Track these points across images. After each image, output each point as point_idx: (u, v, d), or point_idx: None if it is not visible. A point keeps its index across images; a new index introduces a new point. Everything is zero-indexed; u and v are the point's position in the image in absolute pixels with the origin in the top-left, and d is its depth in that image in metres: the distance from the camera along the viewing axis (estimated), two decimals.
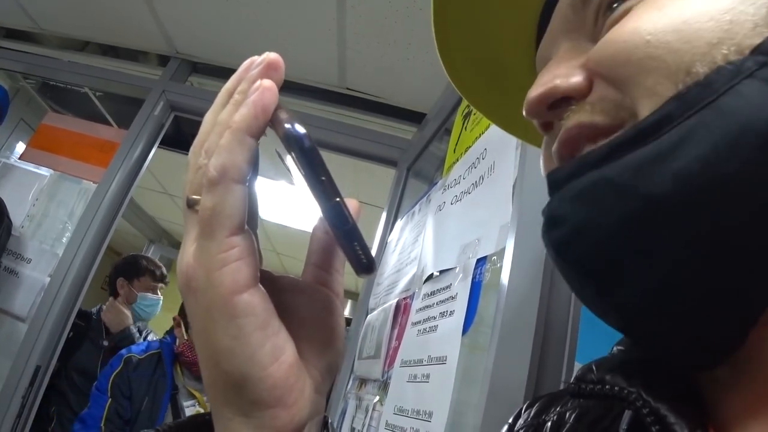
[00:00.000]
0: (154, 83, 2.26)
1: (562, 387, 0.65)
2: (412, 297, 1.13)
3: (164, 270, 2.69)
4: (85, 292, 1.96)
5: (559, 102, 0.34)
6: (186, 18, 2.07)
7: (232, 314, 0.30)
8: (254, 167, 0.33)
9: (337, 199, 0.29)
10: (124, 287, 2.57)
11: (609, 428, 0.40)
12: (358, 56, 1.93)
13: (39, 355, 1.77)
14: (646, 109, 0.28)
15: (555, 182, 0.32)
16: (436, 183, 1.28)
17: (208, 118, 0.34)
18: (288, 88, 2.17)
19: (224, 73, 2.32)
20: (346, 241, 0.31)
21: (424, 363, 0.90)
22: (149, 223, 5.28)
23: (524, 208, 0.72)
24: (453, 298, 0.88)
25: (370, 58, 1.92)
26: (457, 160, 1.16)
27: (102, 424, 1.98)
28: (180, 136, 2.97)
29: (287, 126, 0.29)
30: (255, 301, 0.31)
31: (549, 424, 0.47)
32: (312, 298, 0.36)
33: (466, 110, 1.26)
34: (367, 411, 1.17)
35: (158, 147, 2.21)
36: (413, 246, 1.25)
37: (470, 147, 1.09)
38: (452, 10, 0.46)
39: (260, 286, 0.32)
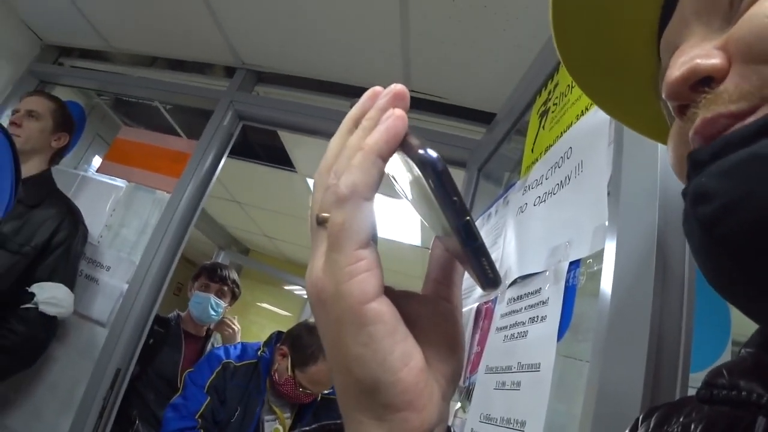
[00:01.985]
0: (222, 94, 2.31)
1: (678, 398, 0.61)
2: (494, 301, 1.10)
3: (227, 273, 2.72)
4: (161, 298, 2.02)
5: (699, 83, 0.33)
6: (250, 29, 2.10)
7: (362, 322, 0.31)
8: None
9: (467, 218, 0.31)
10: (190, 289, 2.65)
11: None
12: (423, 58, 1.92)
13: (119, 359, 1.83)
14: None
15: (698, 161, 0.32)
16: (513, 184, 1.25)
17: (334, 143, 0.36)
18: (353, 93, 2.17)
19: (289, 81, 2.35)
20: (474, 257, 0.32)
21: (514, 370, 0.87)
22: (218, 230, 5.43)
23: (626, 207, 0.68)
24: (544, 302, 0.85)
25: (435, 60, 1.90)
26: (537, 160, 1.12)
27: (198, 418, 2.04)
28: (247, 145, 3.04)
29: (421, 151, 0.31)
30: (383, 309, 0.32)
31: None
32: (433, 310, 0.38)
33: (543, 108, 1.22)
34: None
35: (227, 156, 2.26)
36: (492, 249, 1.22)
37: (551, 146, 1.05)
38: None
39: (385, 296, 0.33)
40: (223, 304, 2.65)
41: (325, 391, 2.21)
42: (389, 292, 0.36)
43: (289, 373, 2.12)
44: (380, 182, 0.32)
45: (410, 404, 0.32)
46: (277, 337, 2.32)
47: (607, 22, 0.46)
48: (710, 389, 0.37)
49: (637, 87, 0.49)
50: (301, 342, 2.14)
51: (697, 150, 0.33)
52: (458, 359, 0.38)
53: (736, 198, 0.28)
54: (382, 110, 0.34)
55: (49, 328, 1.77)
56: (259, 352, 2.27)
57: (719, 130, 0.32)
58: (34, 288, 1.73)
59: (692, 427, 0.43)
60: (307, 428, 0.41)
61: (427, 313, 0.38)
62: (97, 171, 2.36)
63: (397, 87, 0.35)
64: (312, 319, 2.24)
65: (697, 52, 0.34)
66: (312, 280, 0.34)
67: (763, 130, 0.28)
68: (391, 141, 0.32)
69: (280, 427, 2.15)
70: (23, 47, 2.58)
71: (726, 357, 0.83)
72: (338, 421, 0.37)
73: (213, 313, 2.58)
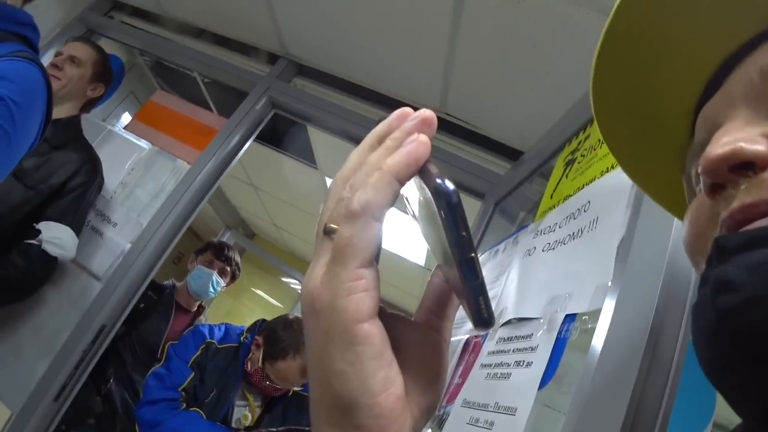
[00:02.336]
0: (261, 79, 2.33)
1: None
2: (484, 337, 1.10)
3: (233, 255, 2.74)
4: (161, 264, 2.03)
5: (740, 166, 0.33)
6: (301, 21, 2.12)
7: (352, 341, 0.32)
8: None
9: (473, 255, 0.31)
10: (191, 262, 2.66)
11: None
12: (462, 83, 1.93)
13: (107, 315, 1.85)
14: None
15: (726, 248, 0.31)
16: (526, 226, 1.25)
17: (355, 156, 0.37)
18: (387, 103, 2.19)
19: (327, 79, 2.37)
20: (472, 294, 0.32)
21: (490, 409, 0.87)
22: (229, 209, 5.45)
23: (631, 272, 0.68)
24: (533, 349, 0.85)
25: (474, 88, 1.91)
26: (554, 207, 1.12)
27: (182, 390, 2.05)
28: (274, 132, 3.06)
29: (438, 181, 0.31)
30: (374, 331, 0.32)
31: None
32: (422, 339, 0.38)
33: (570, 157, 1.22)
34: None
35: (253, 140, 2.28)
36: (493, 285, 1.22)
37: (570, 196, 1.06)
38: (618, 53, 0.45)
39: (378, 318, 0.33)
40: (223, 283, 2.67)
41: (297, 387, 2.21)
42: (381, 313, 0.36)
43: (260, 364, 2.13)
44: (393, 204, 0.33)
45: (381, 430, 0.32)
46: (260, 326, 2.32)
47: (647, 88, 0.46)
48: None
49: (663, 155, 0.49)
50: (275, 336, 2.15)
51: (727, 236, 0.32)
52: (437, 392, 0.38)
53: (762, 295, 0.27)
54: (407, 133, 0.34)
55: (48, 267, 1.79)
56: (241, 338, 2.28)
57: (758, 215, 0.32)
58: (41, 225, 1.75)
59: None
60: (274, 430, 0.40)
61: (415, 341, 0.38)
62: (125, 128, 2.39)
63: (426, 113, 0.35)
64: (292, 315, 2.25)
65: (742, 136, 0.34)
66: (309, 288, 0.34)
67: None
68: (411, 165, 0.32)
69: (249, 414, 2.15)
70: None
71: None
72: (306, 429, 0.37)
73: (212, 290, 2.60)
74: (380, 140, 0.36)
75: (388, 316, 0.38)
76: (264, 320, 2.36)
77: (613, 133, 0.51)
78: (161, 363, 2.14)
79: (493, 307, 1.10)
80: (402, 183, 0.32)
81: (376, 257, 0.35)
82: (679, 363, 0.62)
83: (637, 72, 0.45)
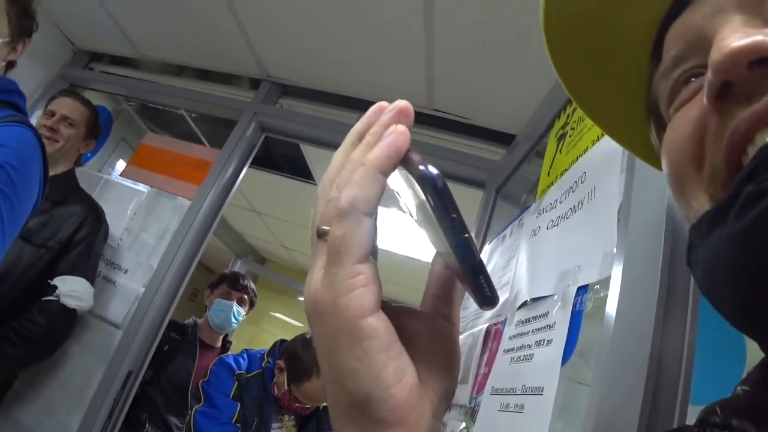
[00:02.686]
0: (247, 105, 2.35)
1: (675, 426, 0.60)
2: (503, 323, 1.10)
3: (248, 283, 2.76)
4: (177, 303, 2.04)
5: (760, 62, 0.30)
6: (277, 42, 2.14)
7: (358, 337, 0.31)
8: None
9: (466, 235, 0.31)
10: (208, 297, 2.68)
11: None
12: (446, 77, 1.94)
13: (131, 361, 1.86)
14: None
15: None
16: (528, 207, 1.25)
17: (338, 157, 0.37)
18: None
19: (313, 95, 2.38)
20: (472, 274, 0.32)
21: (518, 392, 0.87)
22: (236, 238, 5.48)
23: (633, 234, 0.68)
24: (551, 326, 0.85)
25: (458, 80, 1.92)
26: (552, 184, 1.13)
27: (236, 422, 2.07)
28: (268, 156, 3.08)
29: (421, 167, 0.31)
30: (379, 324, 0.32)
31: None
32: (430, 327, 0.38)
33: (560, 132, 1.23)
34: None
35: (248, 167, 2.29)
36: (505, 270, 1.22)
37: (566, 170, 1.06)
38: None
39: (381, 311, 0.33)
40: (243, 312, 2.69)
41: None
42: (387, 307, 0.36)
43: (286, 387, 2.14)
44: (381, 197, 0.33)
45: (401, 421, 0.32)
46: (279, 346, 2.33)
47: (606, 8, 0.44)
48: (703, 427, 0.36)
49: (625, 89, 0.48)
50: (296, 357, 2.16)
51: None
52: (452, 378, 0.37)
53: None
54: (385, 126, 0.34)
55: (69, 320, 1.80)
56: (263, 363, 2.28)
57: None
58: (57, 281, 1.77)
59: None
60: None
61: (424, 329, 0.37)
62: (121, 175, 2.41)
63: (401, 103, 0.35)
64: (309, 334, 2.26)
65: (754, 32, 0.30)
66: (310, 293, 0.34)
67: None
68: (392, 156, 0.32)
69: None
70: (56, 51, 2.66)
71: None
72: None
73: (234, 320, 2.63)
74: (360, 137, 0.36)
75: (393, 309, 0.37)
76: (283, 340, 2.37)
77: (571, 72, 0.50)
78: (202, 403, 2.14)
79: (508, 292, 1.10)
80: (386, 175, 0.32)
81: (373, 252, 0.35)
82: (694, 317, 0.62)
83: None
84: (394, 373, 0.32)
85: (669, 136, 0.38)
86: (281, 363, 2.21)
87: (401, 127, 0.33)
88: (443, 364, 0.37)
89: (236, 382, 2.18)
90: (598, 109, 0.52)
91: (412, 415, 0.32)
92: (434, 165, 0.31)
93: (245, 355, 2.34)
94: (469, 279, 0.33)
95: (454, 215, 0.31)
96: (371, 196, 0.32)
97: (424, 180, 0.31)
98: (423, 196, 0.31)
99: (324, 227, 0.34)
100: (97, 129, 2.12)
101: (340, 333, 0.32)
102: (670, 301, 0.62)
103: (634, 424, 0.57)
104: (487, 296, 0.33)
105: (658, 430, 0.59)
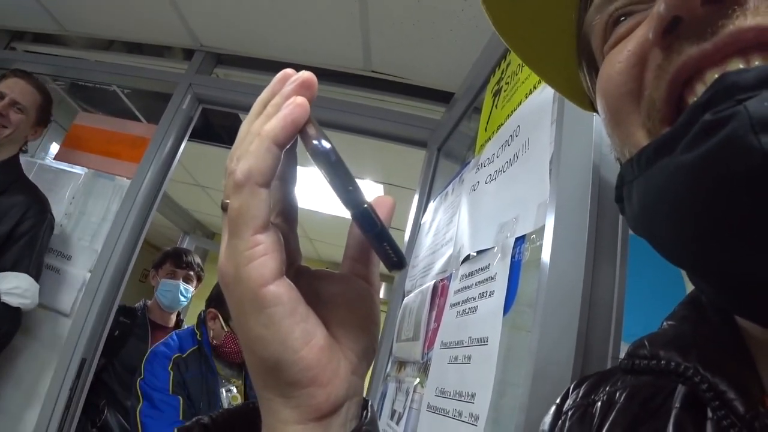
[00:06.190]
0: (181, 77, 2.28)
1: (609, 365, 0.64)
2: (449, 278, 1.12)
3: (192, 258, 2.72)
4: (125, 285, 2.00)
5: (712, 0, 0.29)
6: (208, 11, 2.07)
7: (261, 305, 0.32)
8: (292, 173, 0.39)
9: (365, 206, 0.32)
10: (154, 278, 2.63)
11: (662, 406, 0.40)
12: (382, 39, 1.92)
13: (84, 348, 1.82)
14: None
15: (739, 86, 0.26)
16: (468, 163, 1.27)
17: (243, 128, 0.37)
18: (314, 74, 2.16)
19: (249, 63, 2.33)
20: (377, 242, 0.33)
21: (465, 344, 0.89)
22: (183, 215, 5.38)
23: (563, 184, 0.70)
24: (492, 278, 0.87)
25: (394, 40, 1.91)
26: (489, 139, 1.14)
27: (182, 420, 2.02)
28: (209, 128, 3.00)
29: (314, 142, 0.32)
30: (281, 291, 0.33)
31: (599, 404, 0.47)
32: (348, 288, 0.39)
33: (496, 87, 1.24)
34: (407, 393, 1.18)
35: (188, 140, 2.24)
36: (448, 227, 1.24)
37: (502, 125, 1.08)
38: None
39: (285, 278, 0.34)
40: (191, 289, 2.65)
41: None
42: (303, 273, 0.38)
43: (226, 329, 2.12)
44: (276, 167, 0.33)
45: (314, 380, 0.33)
46: (203, 315, 2.31)
47: None
48: (632, 359, 0.38)
49: (550, 24, 0.48)
50: (223, 297, 2.13)
51: (739, 72, 0.27)
52: (370, 336, 0.38)
53: None
54: (285, 97, 0.34)
55: (13, 319, 1.74)
56: (197, 337, 2.25)
57: (752, 51, 0.29)
58: None
59: (617, 395, 0.46)
60: (231, 408, 0.42)
61: (341, 291, 0.38)
62: (55, 158, 2.32)
63: (305, 74, 0.35)
64: None
65: None
66: (219, 266, 0.34)
67: None
68: (288, 128, 0.32)
69: (238, 395, 2.17)
70: None
71: None
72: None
73: (183, 299, 2.60)
74: (265, 106, 0.36)
75: (309, 273, 0.39)
76: (203, 309, 2.34)
77: (505, 20, 0.51)
78: (141, 402, 2.04)
79: (452, 248, 1.12)
80: (281, 147, 0.32)
81: (290, 222, 0.37)
82: (623, 261, 0.64)
83: None
84: (302, 336, 0.33)
85: (605, 71, 0.37)
86: (212, 311, 2.18)
87: (300, 99, 0.33)
88: (360, 324, 0.38)
89: (172, 372, 2.12)
90: (532, 55, 0.53)
91: (325, 374, 0.34)
92: (327, 139, 0.32)
93: (174, 337, 2.27)
94: (374, 246, 0.34)
95: (350, 187, 0.31)
96: (265, 168, 0.32)
97: (317, 154, 0.32)
98: (319, 169, 0.32)
99: (226, 201, 0.34)
100: (47, 115, 2.03)
101: (244, 302, 0.33)
102: (599, 246, 0.65)
103: (569, 361, 0.60)
104: (393, 261, 0.34)
105: (593, 367, 0.62)
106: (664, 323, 0.41)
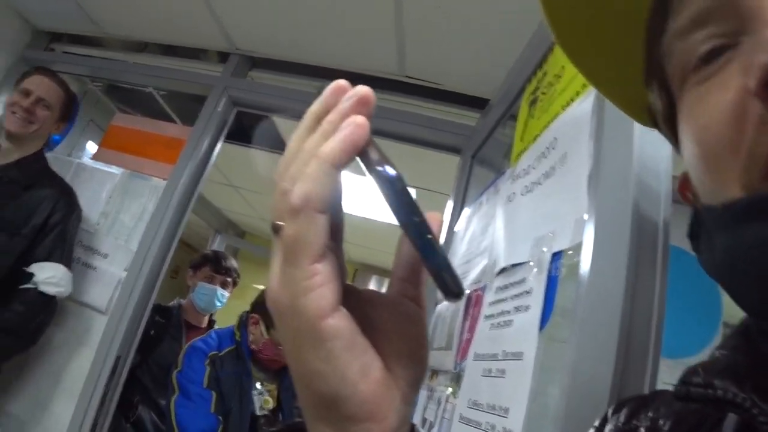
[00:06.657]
0: (216, 80, 2.30)
1: (648, 380, 0.63)
2: (483, 289, 1.12)
3: (230, 264, 2.76)
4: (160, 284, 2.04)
5: None
6: (243, 14, 2.09)
7: (320, 338, 0.31)
8: (340, 189, 0.34)
9: (429, 236, 0.30)
10: (191, 278, 2.67)
11: None
12: (417, 44, 1.92)
13: (119, 346, 1.86)
14: None
15: None
16: (504, 172, 1.26)
17: (294, 141, 0.34)
18: (348, 79, 2.16)
19: (283, 66, 2.35)
20: (436, 272, 0.31)
21: (499, 358, 0.89)
22: (215, 213, 5.44)
23: (602, 200, 0.70)
24: (528, 292, 0.87)
25: (429, 46, 1.90)
26: (525, 149, 1.13)
27: (214, 413, 2.07)
28: (242, 129, 3.04)
29: (379, 168, 0.30)
30: (340, 324, 0.31)
31: (642, 430, 0.46)
32: (397, 311, 0.37)
33: (532, 97, 1.23)
34: (439, 403, 1.18)
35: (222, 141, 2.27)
36: (482, 237, 1.24)
37: (539, 135, 1.07)
38: None
39: (342, 308, 0.32)
40: (227, 294, 2.70)
41: None
42: (351, 293, 0.35)
43: (266, 336, 2.15)
44: (335, 192, 0.31)
45: (371, 415, 0.32)
46: (246, 316, 2.34)
47: None
48: (687, 387, 0.37)
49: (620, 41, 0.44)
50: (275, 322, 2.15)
51: None
52: (421, 363, 0.37)
53: None
54: (344, 115, 0.32)
55: (49, 308, 1.80)
56: (236, 337, 2.29)
57: None
58: (33, 268, 1.76)
59: (661, 422, 0.45)
60: (275, 429, 0.40)
61: (390, 317, 0.36)
62: (93, 158, 2.37)
63: (362, 90, 0.33)
64: None
65: None
66: (270, 292, 0.33)
67: None
68: (348, 151, 0.31)
69: (270, 399, 2.19)
70: (14, 34, 2.56)
71: (718, 341, 0.85)
72: None
73: (218, 303, 2.65)
74: (319, 120, 0.34)
75: (357, 296, 0.37)
76: (246, 312, 2.37)
77: (564, 27, 0.47)
78: (176, 394, 2.12)
79: (486, 258, 1.11)
80: (340, 169, 0.31)
81: (336, 239, 0.35)
82: (663, 278, 0.64)
83: None
84: (360, 369, 0.32)
85: (700, 120, 0.35)
86: (255, 316, 2.22)
87: (360, 119, 0.31)
88: (411, 351, 0.36)
89: (208, 367, 2.16)
90: (591, 66, 0.49)
91: (382, 408, 0.33)
92: (392, 165, 0.30)
93: (213, 335, 2.32)
94: (433, 275, 0.32)
95: (416, 218, 0.30)
96: (324, 193, 0.30)
97: (381, 181, 0.30)
98: (382, 194, 0.30)
99: (278, 223, 0.32)
100: (70, 112, 2.10)
101: (301, 334, 0.31)
102: (640, 261, 0.64)
103: (608, 377, 0.60)
104: (452, 291, 0.31)
105: (632, 382, 0.61)
106: (716, 352, 0.40)
